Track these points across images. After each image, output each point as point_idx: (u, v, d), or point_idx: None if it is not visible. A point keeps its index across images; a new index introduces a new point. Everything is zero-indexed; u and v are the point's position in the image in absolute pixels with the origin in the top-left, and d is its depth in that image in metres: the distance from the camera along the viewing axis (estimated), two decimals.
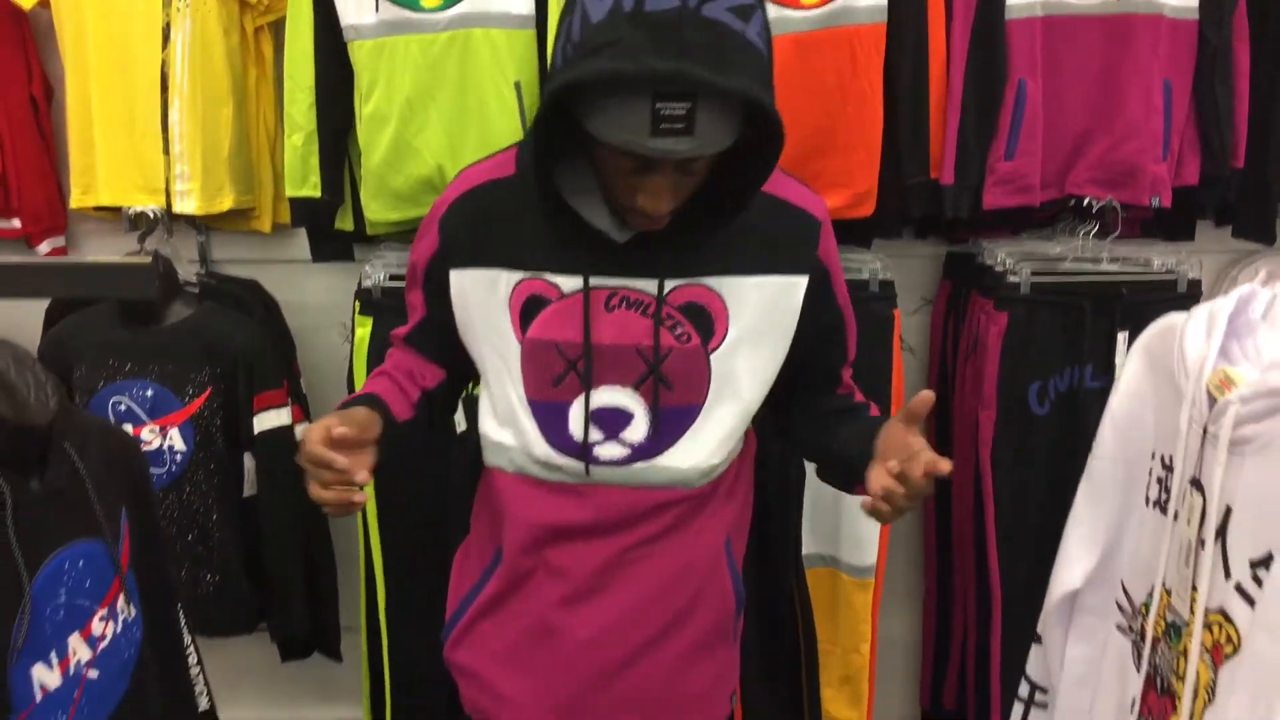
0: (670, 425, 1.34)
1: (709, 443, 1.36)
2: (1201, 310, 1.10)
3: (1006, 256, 2.17)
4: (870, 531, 2.19)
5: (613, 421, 1.34)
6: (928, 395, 1.15)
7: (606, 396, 1.33)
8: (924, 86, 2.07)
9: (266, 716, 2.77)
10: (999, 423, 2.16)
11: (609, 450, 1.34)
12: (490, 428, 1.40)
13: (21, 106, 2.28)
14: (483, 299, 1.35)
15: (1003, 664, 2.19)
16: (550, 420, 1.34)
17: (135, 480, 1.27)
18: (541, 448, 1.35)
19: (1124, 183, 2.11)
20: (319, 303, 2.45)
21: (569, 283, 1.31)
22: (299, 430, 2.24)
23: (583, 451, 1.34)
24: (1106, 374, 2.13)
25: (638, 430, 1.34)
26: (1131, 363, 1.20)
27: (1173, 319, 1.14)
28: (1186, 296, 2.12)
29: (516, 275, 1.33)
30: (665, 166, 1.15)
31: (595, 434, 1.34)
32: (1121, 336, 2.10)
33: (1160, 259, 2.17)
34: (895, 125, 2.09)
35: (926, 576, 2.52)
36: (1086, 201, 2.14)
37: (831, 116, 2.03)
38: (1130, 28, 2.05)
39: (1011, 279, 2.12)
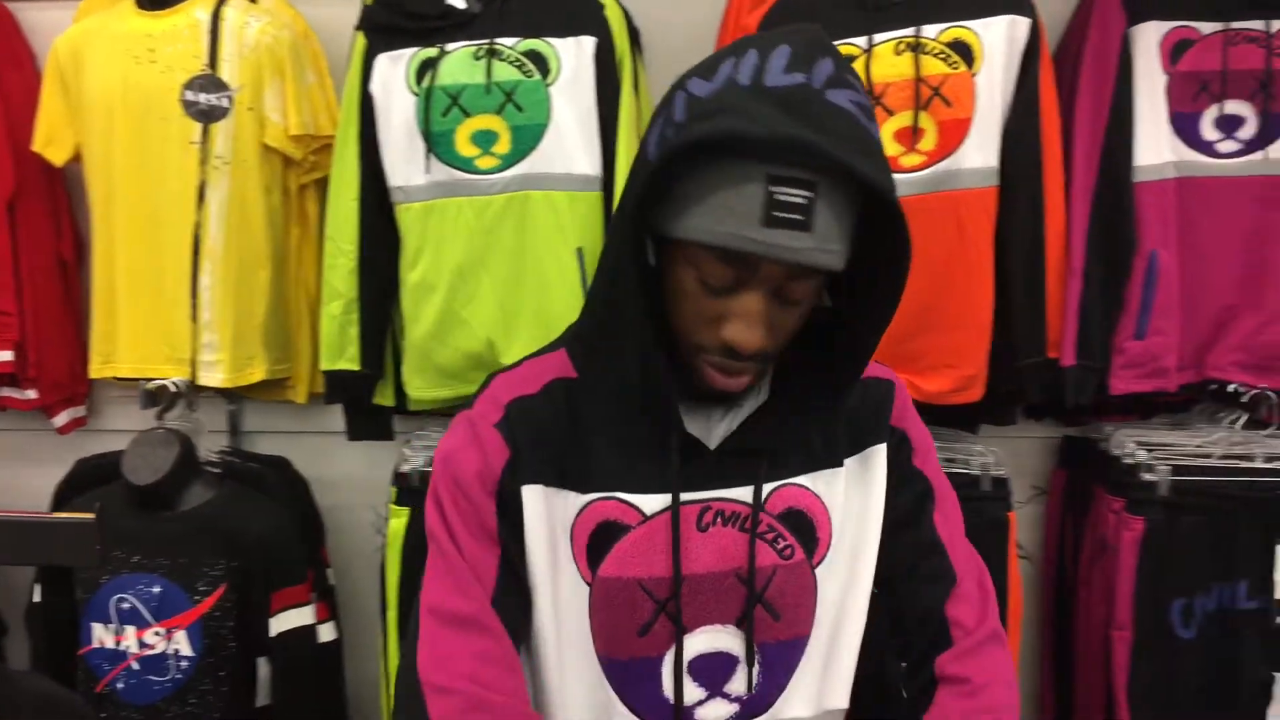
0: (777, 667, 1.07)
1: (832, 682, 1.09)
2: None
3: (1139, 448, 1.87)
4: None
5: (715, 672, 1.06)
6: None
7: (705, 640, 1.05)
8: (1041, 257, 1.81)
9: None
10: (1136, 647, 1.82)
11: (713, 711, 1.06)
12: (543, 699, 1.08)
13: (47, 270, 2.12)
14: (548, 527, 1.05)
15: None
16: (632, 682, 1.05)
17: None
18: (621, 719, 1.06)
19: (1276, 367, 1.83)
20: (355, 479, 2.24)
21: (652, 501, 1.04)
22: (323, 631, 1.98)
23: (675, 718, 1.05)
24: (1264, 593, 1.80)
25: (743, 679, 1.06)
26: None
27: None
28: None
29: (584, 498, 1.05)
30: (768, 275, 0.91)
31: (695, 691, 1.05)
32: None
33: None
34: (1008, 299, 1.83)
35: None
36: (1232, 386, 1.86)
37: (936, 290, 1.78)
38: None
39: (1147, 477, 1.82)
